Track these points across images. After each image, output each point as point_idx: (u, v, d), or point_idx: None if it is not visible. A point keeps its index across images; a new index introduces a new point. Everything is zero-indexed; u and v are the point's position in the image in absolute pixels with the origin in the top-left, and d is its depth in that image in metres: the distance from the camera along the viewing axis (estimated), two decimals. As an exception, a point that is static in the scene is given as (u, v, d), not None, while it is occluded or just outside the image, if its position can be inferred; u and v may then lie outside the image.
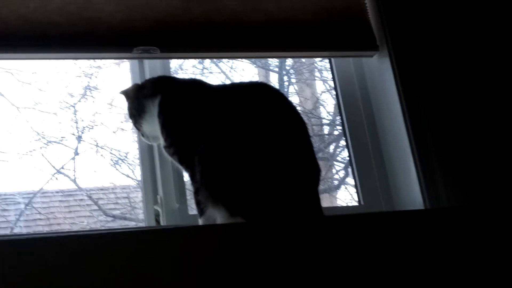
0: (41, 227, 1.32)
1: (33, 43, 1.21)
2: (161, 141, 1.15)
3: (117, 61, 1.47)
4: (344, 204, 1.54)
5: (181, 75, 1.52)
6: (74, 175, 1.41)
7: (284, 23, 1.38)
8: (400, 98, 1.34)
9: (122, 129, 1.43)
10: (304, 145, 1.12)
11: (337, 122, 1.60)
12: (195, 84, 1.22)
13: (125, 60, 1.40)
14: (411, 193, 1.33)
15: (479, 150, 1.37)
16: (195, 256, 1.00)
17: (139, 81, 1.28)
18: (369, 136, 1.41)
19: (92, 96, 1.47)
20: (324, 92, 1.70)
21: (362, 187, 1.37)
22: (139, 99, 1.20)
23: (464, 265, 1.14)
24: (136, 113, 1.20)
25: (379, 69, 1.43)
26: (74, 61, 1.42)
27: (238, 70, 1.65)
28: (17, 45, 1.23)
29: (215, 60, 1.58)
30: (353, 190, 1.45)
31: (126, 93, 1.23)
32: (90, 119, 1.45)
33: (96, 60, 1.40)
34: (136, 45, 1.24)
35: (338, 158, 1.65)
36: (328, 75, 1.59)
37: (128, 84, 1.29)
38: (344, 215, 1.25)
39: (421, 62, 1.39)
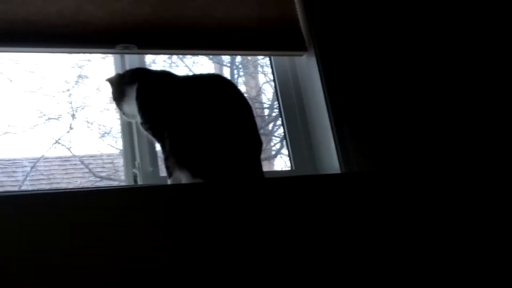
0: (43, 185, 1.41)
1: (35, 39, 1.31)
2: (138, 119, 1.28)
3: (103, 55, 1.53)
4: (280, 169, 1.65)
5: (154, 67, 1.56)
6: (69, 145, 1.47)
7: (233, 28, 1.51)
8: (322, 87, 1.49)
9: (107, 109, 1.50)
10: (249, 123, 1.26)
11: (275, 106, 1.69)
12: (165, 75, 1.35)
13: (109, 55, 1.48)
14: (330, 160, 1.48)
15: (384, 125, 1.54)
16: (165, 209, 1.15)
17: (120, 72, 1.39)
18: (299, 117, 1.55)
19: (83, 83, 1.52)
20: (265, 83, 1.77)
21: (293, 156, 1.52)
22: (120, 85, 1.32)
23: (369, 220, 1.33)
24: (118, 97, 1.32)
25: (307, 65, 1.57)
26: (69, 54, 1.47)
27: (199, 65, 1.73)
28: (23, 41, 1.31)
29: (180, 56, 1.65)
30: (286, 158, 1.57)
31: (110, 80, 1.35)
32: (82, 101, 1.50)
33: (86, 54, 1.46)
34: (118, 43, 1.36)
35: (275, 134, 1.73)
36: (268, 69, 1.70)
37: (111, 73, 1.39)
38: (279, 178, 1.42)
39: (338, 59, 1.55)
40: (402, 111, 1.58)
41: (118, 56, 1.49)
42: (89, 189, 1.39)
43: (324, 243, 1.26)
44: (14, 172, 1.44)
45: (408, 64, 1.66)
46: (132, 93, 1.29)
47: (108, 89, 1.37)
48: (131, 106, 1.29)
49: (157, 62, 1.65)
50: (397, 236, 1.36)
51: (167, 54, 1.59)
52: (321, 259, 1.25)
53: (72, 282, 1.07)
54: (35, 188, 1.42)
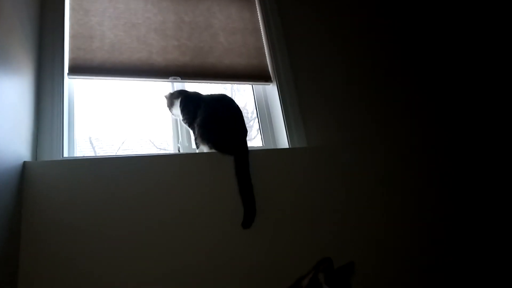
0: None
1: (127, 74, 1.62)
2: (180, 118, 1.62)
3: (162, 83, 1.77)
4: (256, 146, 1.83)
5: (188, 89, 1.75)
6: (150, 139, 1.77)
7: (233, 69, 1.75)
8: (279, 101, 1.80)
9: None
10: (240, 120, 1.58)
11: (254, 113, 1.91)
12: (195, 93, 1.66)
13: (165, 81, 1.73)
14: (283, 141, 1.77)
15: (326, 109, 1.82)
16: (196, 166, 1.51)
17: (171, 92, 1.71)
18: (267, 118, 1.84)
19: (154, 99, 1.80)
20: (249, 100, 1.96)
21: (264, 138, 1.81)
22: (171, 99, 1.66)
23: (306, 188, 1.62)
24: (170, 105, 1.66)
25: (272, 90, 1.88)
26: (145, 82, 1.72)
27: (214, 88, 1.91)
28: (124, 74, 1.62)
29: (202, 83, 1.81)
30: (259, 140, 1.84)
31: (165, 96, 1.68)
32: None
33: (153, 82, 1.72)
34: (170, 76, 1.67)
35: (254, 127, 1.91)
36: (251, 92, 1.94)
37: (166, 92, 1.71)
38: (255, 150, 1.65)
39: (286, 86, 1.82)
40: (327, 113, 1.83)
41: (170, 83, 1.76)
42: (153, 155, 1.58)
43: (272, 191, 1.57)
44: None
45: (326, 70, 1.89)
46: (177, 103, 1.62)
47: (164, 101, 1.71)
48: (177, 111, 1.63)
49: (192, 87, 1.78)
50: (326, 193, 1.65)
51: (195, 82, 1.77)
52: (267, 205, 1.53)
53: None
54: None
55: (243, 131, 1.57)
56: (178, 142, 1.72)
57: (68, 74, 1.56)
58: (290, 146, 1.73)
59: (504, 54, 2.31)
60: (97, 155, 1.66)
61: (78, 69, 1.56)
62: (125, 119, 1.74)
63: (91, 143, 1.68)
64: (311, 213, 1.61)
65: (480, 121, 2.16)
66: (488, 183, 1.99)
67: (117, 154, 1.65)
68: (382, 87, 1.99)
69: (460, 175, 1.96)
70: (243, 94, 1.99)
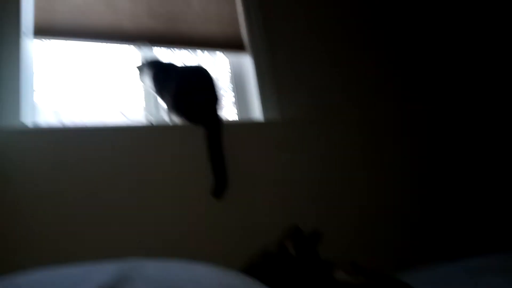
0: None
1: (93, 37, 1.58)
2: (153, 89, 1.59)
3: (134, 52, 1.74)
4: (231, 118, 1.81)
5: (160, 57, 1.70)
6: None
7: (208, 37, 1.76)
8: (253, 70, 1.80)
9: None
10: (215, 93, 1.57)
11: (229, 87, 1.91)
12: (168, 64, 1.63)
13: (135, 47, 1.68)
14: (255, 110, 1.77)
15: (302, 82, 1.84)
16: (168, 135, 1.52)
17: (143, 62, 1.64)
18: (242, 87, 1.83)
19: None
20: (223, 72, 1.97)
21: (239, 110, 1.82)
22: (143, 69, 1.63)
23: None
24: (142, 76, 1.63)
25: (247, 62, 1.87)
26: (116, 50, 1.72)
27: (185, 56, 1.95)
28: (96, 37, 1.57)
29: (173, 49, 1.81)
30: (234, 111, 1.85)
31: (138, 67, 1.64)
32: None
33: (124, 45, 1.67)
34: (140, 41, 1.65)
35: (229, 99, 1.90)
36: (225, 63, 1.94)
37: (138, 63, 1.66)
38: (229, 122, 1.66)
39: (260, 55, 1.81)
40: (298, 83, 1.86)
41: (141, 52, 1.72)
42: (126, 125, 1.54)
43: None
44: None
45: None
46: (149, 74, 1.60)
47: (136, 71, 1.67)
48: (149, 81, 1.60)
49: (164, 54, 1.77)
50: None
51: (169, 49, 1.77)
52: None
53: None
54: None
55: (217, 103, 1.58)
56: (150, 113, 1.72)
57: (29, 35, 1.50)
58: (265, 119, 1.76)
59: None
60: (62, 124, 1.60)
61: (39, 31, 1.51)
62: (93, 88, 1.70)
63: (55, 111, 1.63)
64: (284, 185, 1.66)
65: (454, 86, 2.25)
66: (462, 145, 2.11)
67: (84, 123, 1.61)
68: (358, 60, 2.04)
69: (436, 143, 2.05)
70: (217, 66, 2.01)
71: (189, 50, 1.80)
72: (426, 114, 2.08)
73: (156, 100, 1.72)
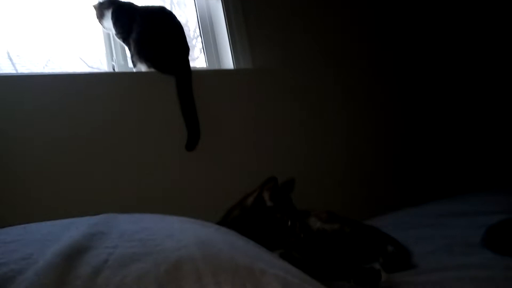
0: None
1: None
2: (113, 32, 1.54)
3: None
4: (199, 66, 1.82)
5: None
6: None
7: None
8: (223, 14, 1.73)
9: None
10: (182, 38, 1.54)
11: (197, 33, 1.86)
12: (129, 4, 1.56)
13: None
14: (226, 58, 1.76)
15: (274, 29, 1.81)
16: (132, 85, 1.49)
17: (100, 1, 1.55)
18: (210, 34, 1.78)
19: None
20: (190, 17, 1.89)
21: (207, 58, 1.79)
22: (101, 9, 1.54)
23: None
24: (100, 17, 1.54)
25: (217, 6, 1.76)
26: None
27: None
28: None
29: None
30: (203, 60, 1.82)
31: (94, 6, 1.55)
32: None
33: None
34: None
35: (197, 46, 1.88)
36: (192, 6, 1.83)
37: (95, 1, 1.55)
38: (199, 70, 1.70)
39: (234, 2, 1.72)
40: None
41: None
42: (87, 72, 1.60)
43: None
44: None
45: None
46: (108, 14, 1.51)
47: (93, 11, 1.56)
48: (109, 23, 1.53)
49: None
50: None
51: None
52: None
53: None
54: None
55: (185, 49, 1.53)
56: (113, 60, 1.63)
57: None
58: (235, 67, 1.73)
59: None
60: (18, 72, 1.54)
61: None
62: (50, 33, 1.61)
63: (10, 59, 1.55)
64: (256, 134, 1.67)
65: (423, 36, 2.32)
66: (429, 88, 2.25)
67: (42, 72, 1.56)
68: (331, 12, 2.03)
69: (408, 93, 2.15)
70: (183, 10, 1.93)
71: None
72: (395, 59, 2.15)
73: (118, 45, 1.63)
